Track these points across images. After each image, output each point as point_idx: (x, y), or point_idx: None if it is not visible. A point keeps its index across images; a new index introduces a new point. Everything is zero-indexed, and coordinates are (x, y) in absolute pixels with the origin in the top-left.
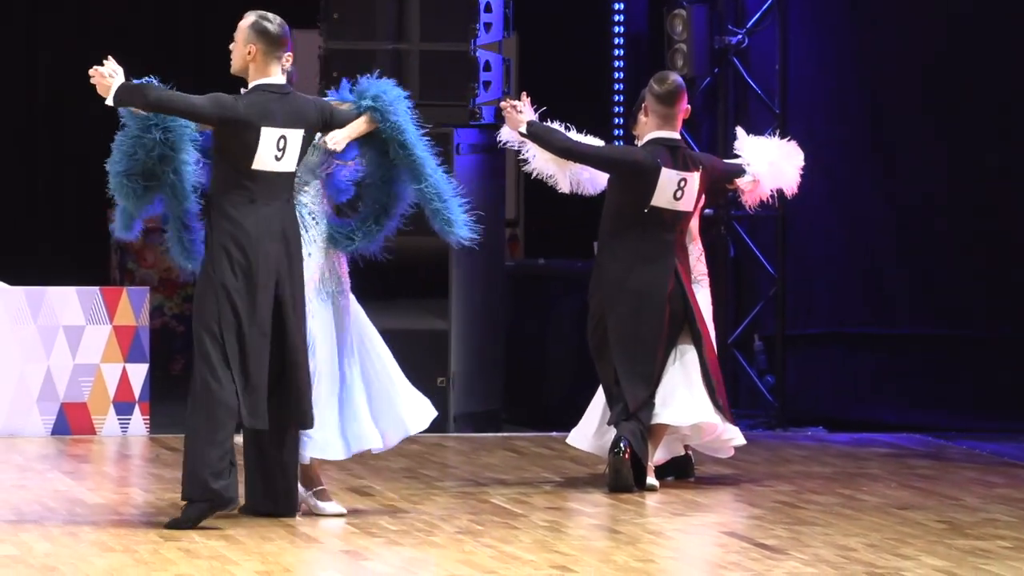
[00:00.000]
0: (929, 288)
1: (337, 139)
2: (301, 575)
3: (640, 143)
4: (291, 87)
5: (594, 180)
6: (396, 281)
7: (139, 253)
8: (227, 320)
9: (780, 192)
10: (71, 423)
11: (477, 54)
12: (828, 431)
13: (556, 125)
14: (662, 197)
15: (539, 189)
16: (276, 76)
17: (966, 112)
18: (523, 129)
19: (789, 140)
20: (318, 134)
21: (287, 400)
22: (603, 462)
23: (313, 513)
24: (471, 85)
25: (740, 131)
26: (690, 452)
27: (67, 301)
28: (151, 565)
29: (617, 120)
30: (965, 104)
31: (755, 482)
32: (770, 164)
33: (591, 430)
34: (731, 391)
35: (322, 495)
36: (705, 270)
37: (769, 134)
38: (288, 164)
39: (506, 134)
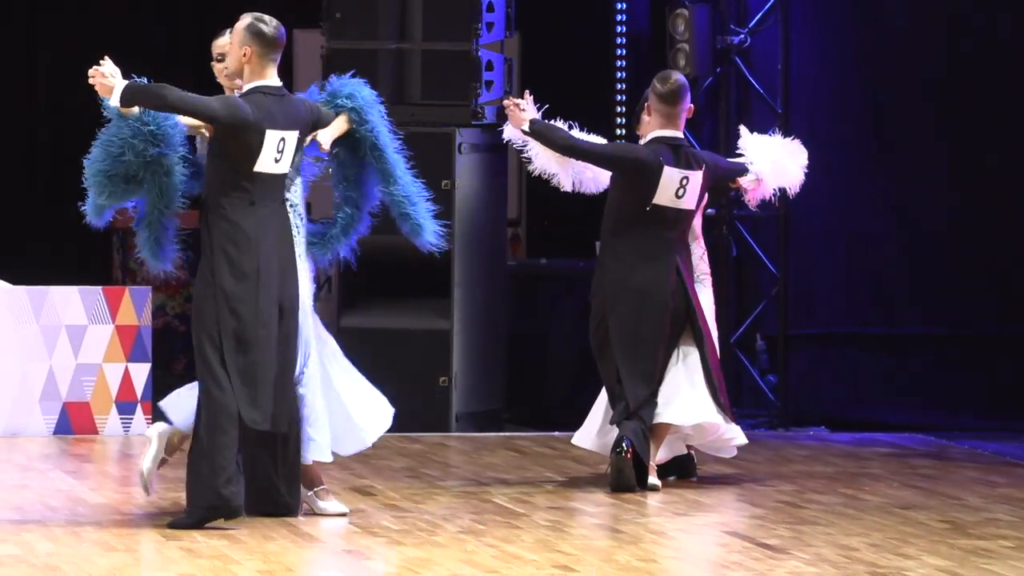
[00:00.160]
0: (930, 288)
1: (326, 139)
2: (303, 575)
3: (643, 142)
4: (286, 89)
5: (596, 179)
6: (398, 281)
7: None
8: (226, 324)
9: (782, 191)
10: (73, 423)
11: (479, 53)
12: (830, 431)
13: (559, 123)
14: (664, 195)
15: (541, 189)
16: (272, 78)
17: (966, 112)
18: (526, 127)
19: (793, 139)
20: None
21: (288, 401)
22: (606, 461)
23: (315, 513)
24: (473, 85)
25: (743, 129)
26: (693, 451)
27: (69, 301)
28: (153, 565)
29: (619, 120)
30: (965, 104)
31: (757, 482)
32: (773, 162)
33: (594, 429)
34: (733, 390)
35: (324, 495)
36: (708, 269)
37: (772, 133)
38: (285, 166)
39: (509, 132)
